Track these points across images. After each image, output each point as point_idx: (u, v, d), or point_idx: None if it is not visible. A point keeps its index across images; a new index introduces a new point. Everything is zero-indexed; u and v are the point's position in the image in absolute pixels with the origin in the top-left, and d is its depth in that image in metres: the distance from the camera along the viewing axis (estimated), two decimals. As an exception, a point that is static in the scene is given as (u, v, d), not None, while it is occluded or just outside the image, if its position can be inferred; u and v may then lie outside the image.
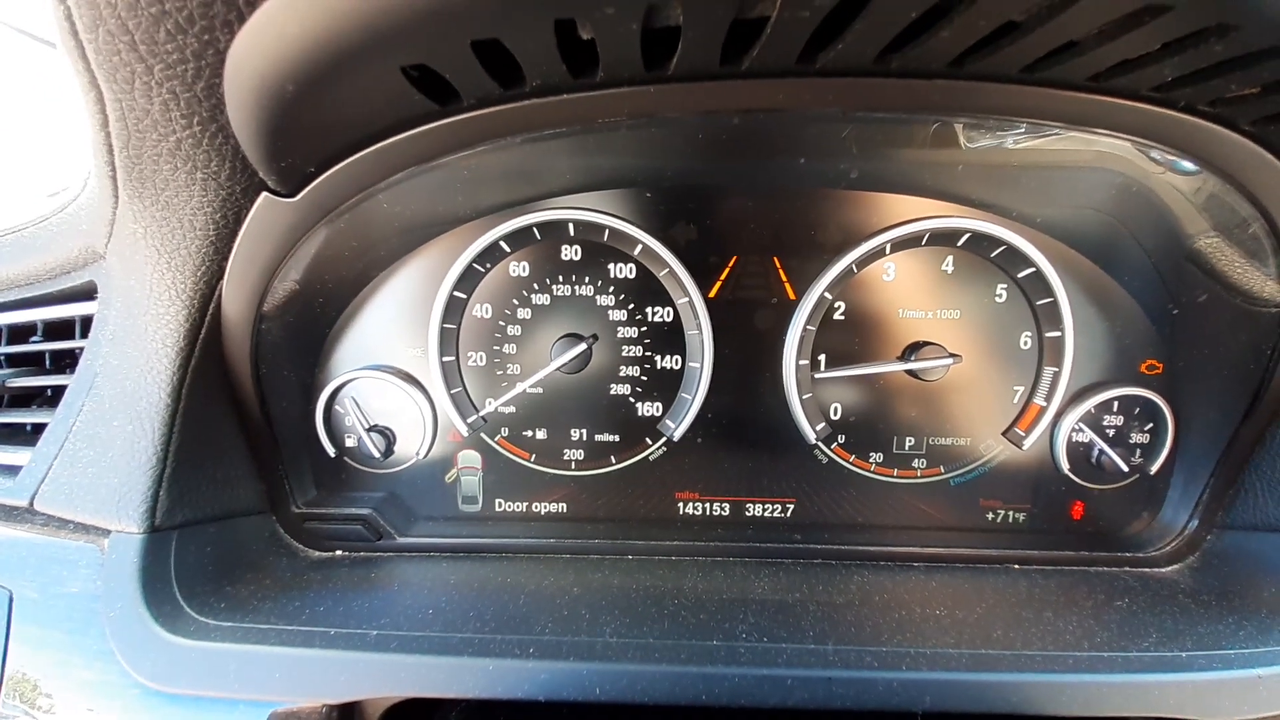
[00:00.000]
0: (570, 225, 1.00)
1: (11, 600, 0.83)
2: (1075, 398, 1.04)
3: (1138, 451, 1.05)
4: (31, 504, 0.87)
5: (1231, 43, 0.51)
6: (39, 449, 0.89)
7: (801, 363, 1.04)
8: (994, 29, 0.51)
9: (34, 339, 1.03)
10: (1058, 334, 1.01)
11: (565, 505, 1.12)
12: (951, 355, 1.00)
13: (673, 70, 0.58)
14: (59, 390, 0.92)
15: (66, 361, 1.02)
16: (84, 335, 0.94)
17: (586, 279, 1.04)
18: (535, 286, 1.04)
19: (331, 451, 1.06)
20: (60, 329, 1.00)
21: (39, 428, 0.92)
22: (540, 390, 1.07)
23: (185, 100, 0.58)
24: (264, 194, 0.72)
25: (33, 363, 1.03)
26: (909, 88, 0.61)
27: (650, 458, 1.10)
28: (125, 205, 0.74)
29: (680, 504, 1.11)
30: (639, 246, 1.01)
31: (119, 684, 0.77)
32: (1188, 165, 0.78)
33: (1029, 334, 1.04)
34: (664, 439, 1.08)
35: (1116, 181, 0.86)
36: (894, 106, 0.65)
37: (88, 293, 0.94)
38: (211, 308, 0.82)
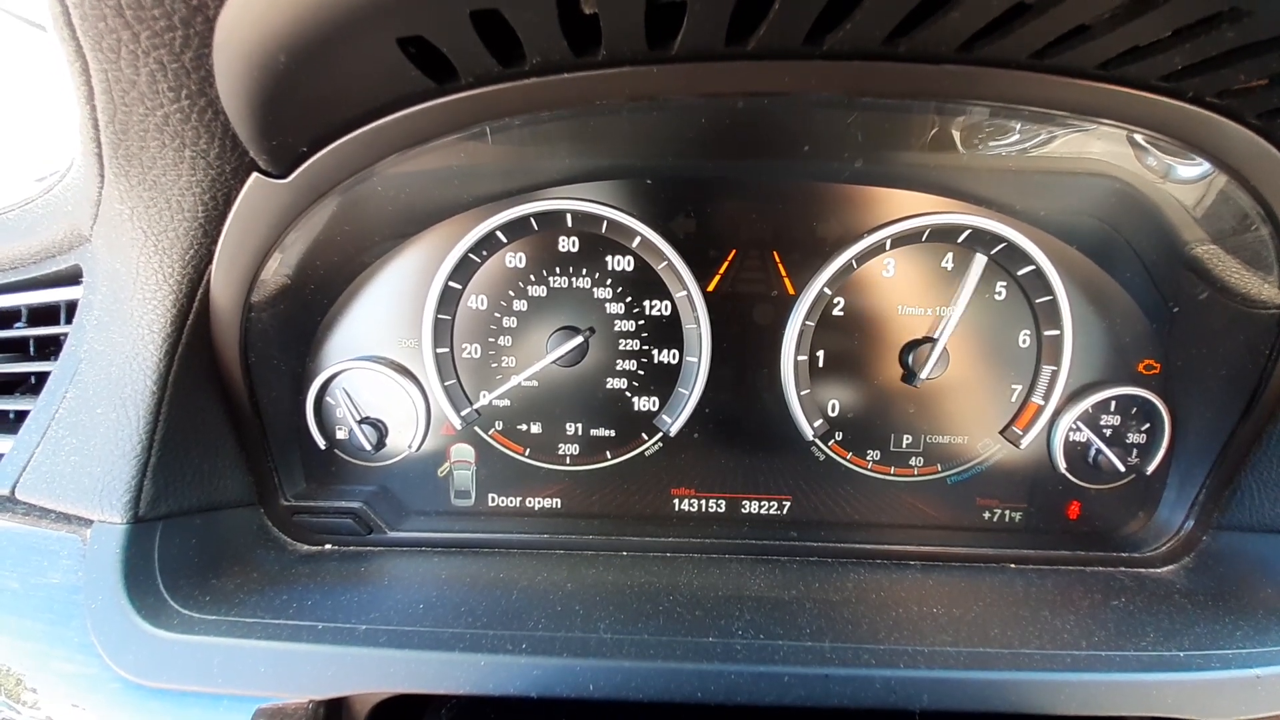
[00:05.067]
0: (568, 216, 0.99)
1: (-10, 590, 0.81)
2: (1073, 397, 1.04)
3: (1134, 451, 1.05)
4: (13, 493, 0.85)
5: (1243, 29, 0.51)
6: (21, 437, 0.87)
7: (800, 358, 1.03)
8: (1005, 10, 0.50)
9: (17, 324, 1.00)
10: (1056, 333, 1.01)
11: (559, 500, 1.10)
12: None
13: (676, 49, 0.56)
14: (42, 377, 0.90)
15: (50, 348, 1.00)
16: (68, 321, 0.92)
17: (584, 271, 1.02)
18: (532, 278, 1.03)
19: (322, 443, 1.04)
20: (44, 314, 0.98)
21: (21, 415, 0.90)
22: (535, 384, 1.05)
23: (173, 71, 0.56)
24: (254, 174, 0.70)
25: (16, 349, 1.02)
26: (917, 72, 0.60)
27: (646, 453, 1.08)
28: (111, 185, 0.72)
29: (676, 500, 1.10)
30: (637, 238, 1.00)
31: (101, 677, 0.75)
32: (1184, 173, 0.78)
33: (1027, 332, 1.03)
34: (660, 434, 1.07)
35: (1114, 189, 0.86)
36: (901, 92, 0.64)
37: (73, 277, 0.92)
38: (200, 293, 0.80)
